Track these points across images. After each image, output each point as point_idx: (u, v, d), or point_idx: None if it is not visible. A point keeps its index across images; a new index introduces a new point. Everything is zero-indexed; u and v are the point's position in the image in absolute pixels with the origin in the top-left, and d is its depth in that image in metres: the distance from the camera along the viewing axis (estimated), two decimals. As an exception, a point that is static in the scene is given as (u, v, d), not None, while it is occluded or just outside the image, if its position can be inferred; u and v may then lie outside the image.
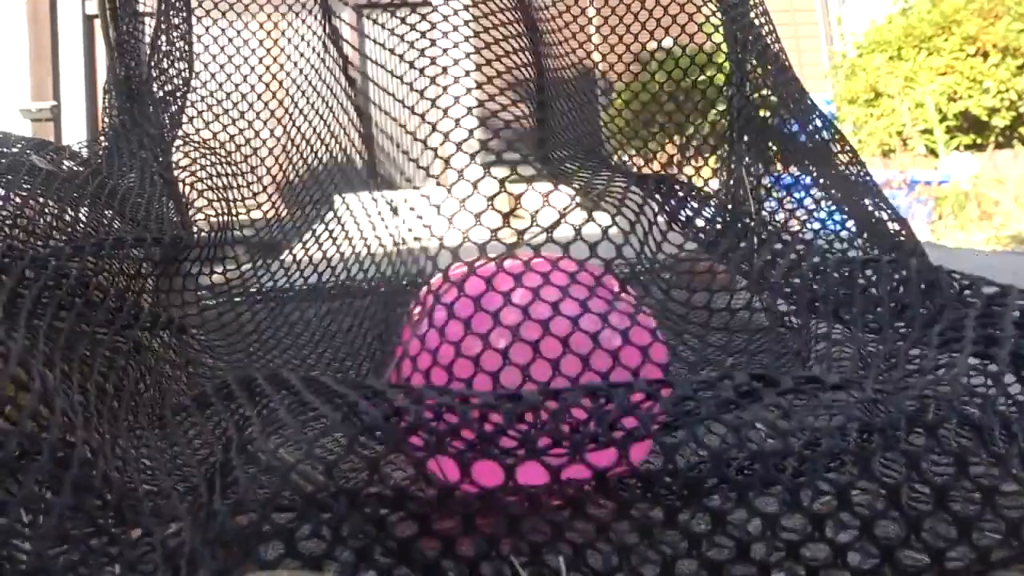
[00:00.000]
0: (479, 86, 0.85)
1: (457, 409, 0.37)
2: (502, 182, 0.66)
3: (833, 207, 1.00)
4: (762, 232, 0.76)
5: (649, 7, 1.34)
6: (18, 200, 0.78)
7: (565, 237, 0.65)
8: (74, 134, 5.22)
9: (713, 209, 0.79)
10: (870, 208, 0.99)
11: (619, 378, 0.56)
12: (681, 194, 0.80)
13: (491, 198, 0.67)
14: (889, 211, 1.00)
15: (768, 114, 1.11)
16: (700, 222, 0.78)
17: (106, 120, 1.34)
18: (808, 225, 1.02)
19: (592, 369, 0.57)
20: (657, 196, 0.78)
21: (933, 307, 0.55)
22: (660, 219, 0.77)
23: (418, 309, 0.62)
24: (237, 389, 0.51)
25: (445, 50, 0.86)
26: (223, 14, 1.53)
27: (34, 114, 5.32)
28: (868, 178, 1.07)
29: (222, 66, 1.51)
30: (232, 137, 1.49)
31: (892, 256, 0.62)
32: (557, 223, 0.65)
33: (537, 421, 0.38)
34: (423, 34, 0.88)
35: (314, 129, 1.56)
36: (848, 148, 1.09)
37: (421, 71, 0.85)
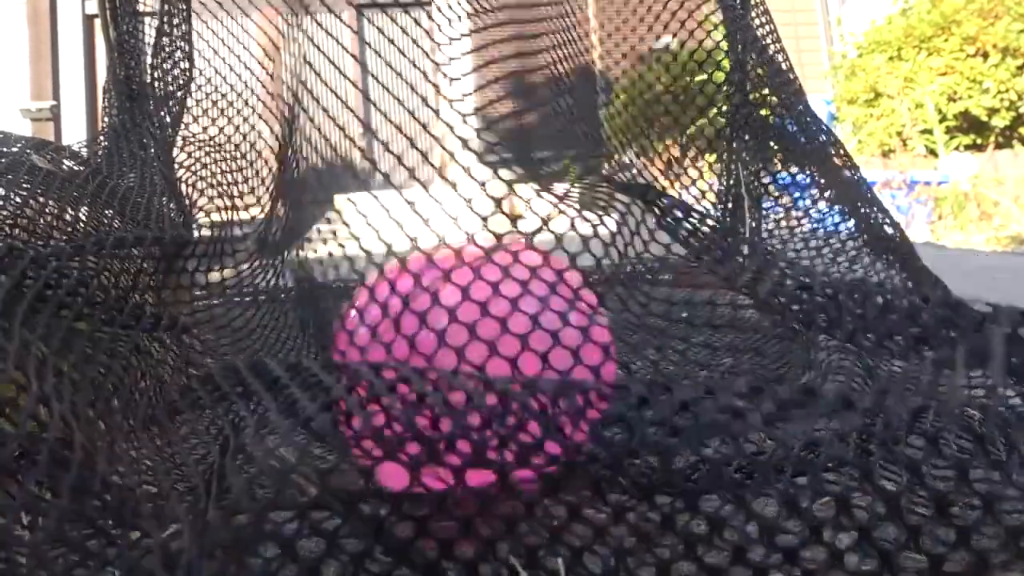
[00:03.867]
0: (478, 88, 0.85)
1: (403, 419, 0.37)
2: (483, 184, 0.66)
3: (832, 206, 1.00)
4: (754, 249, 0.76)
5: (649, 5, 1.34)
6: (18, 200, 0.78)
7: (547, 242, 0.64)
8: (74, 134, 5.22)
9: (697, 221, 0.79)
10: (866, 210, 0.99)
11: (559, 358, 0.56)
12: (665, 203, 0.80)
13: (497, 200, 0.67)
14: (884, 214, 1.00)
15: (767, 113, 1.11)
16: (684, 231, 0.78)
17: (106, 120, 1.34)
18: (806, 224, 1.02)
19: (531, 348, 0.56)
20: (647, 200, 0.77)
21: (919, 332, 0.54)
22: (645, 224, 0.76)
23: (352, 310, 0.62)
24: (224, 383, 0.51)
25: (439, 49, 0.86)
26: (229, 14, 1.53)
27: (34, 114, 5.31)
28: (863, 181, 1.08)
29: (222, 65, 1.51)
30: (231, 137, 1.49)
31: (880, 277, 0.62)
32: (539, 229, 0.64)
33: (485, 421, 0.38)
34: (411, 37, 0.88)
35: (315, 127, 1.56)
36: (843, 152, 1.10)
37: (415, 68, 0.85)
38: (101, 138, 1.29)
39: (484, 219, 0.63)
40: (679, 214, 0.77)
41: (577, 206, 0.74)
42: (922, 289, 0.61)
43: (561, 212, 0.71)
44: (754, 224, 1.08)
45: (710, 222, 0.79)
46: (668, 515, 0.37)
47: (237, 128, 1.49)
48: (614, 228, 0.72)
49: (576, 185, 0.89)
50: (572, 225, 0.68)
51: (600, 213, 0.73)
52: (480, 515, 0.38)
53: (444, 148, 0.73)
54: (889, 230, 0.99)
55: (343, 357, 0.59)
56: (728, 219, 1.09)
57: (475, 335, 0.55)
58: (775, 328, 0.89)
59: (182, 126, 1.40)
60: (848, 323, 0.55)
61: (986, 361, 0.41)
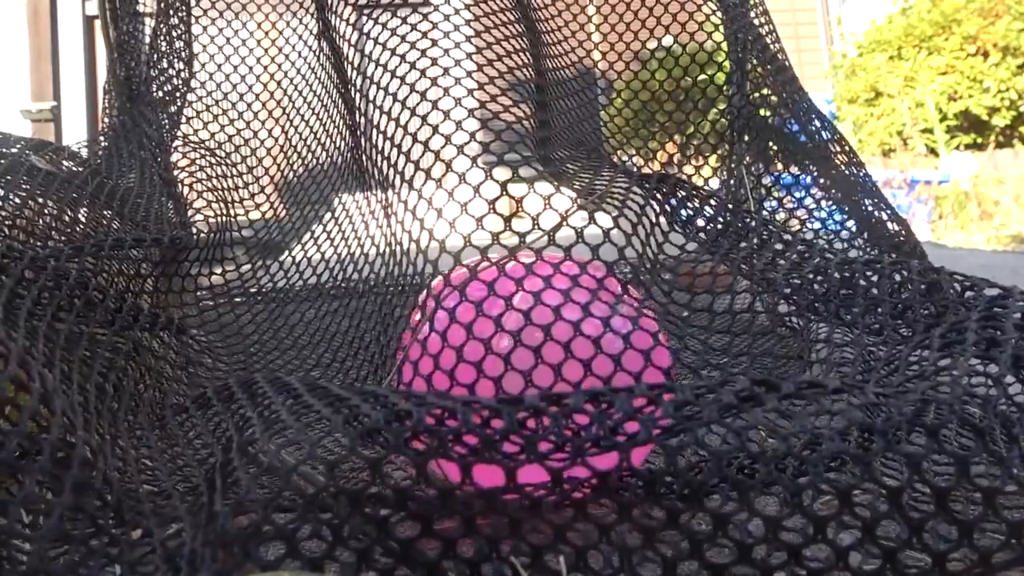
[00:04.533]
0: (480, 87, 0.85)
1: (459, 413, 0.37)
2: (503, 184, 0.66)
3: (833, 207, 1.00)
4: (763, 232, 0.76)
5: (649, 5, 1.34)
6: (17, 201, 0.78)
7: (567, 239, 0.65)
8: (74, 134, 5.22)
9: (714, 208, 0.79)
10: (870, 208, 0.99)
11: (621, 382, 0.57)
12: (682, 193, 0.80)
13: (492, 201, 0.67)
14: (889, 211, 1.00)
15: (768, 113, 1.11)
16: (701, 221, 0.78)
17: (106, 120, 1.34)
18: (808, 225, 1.02)
19: (594, 374, 0.57)
20: (658, 195, 0.77)
21: (935, 309, 0.55)
22: (662, 220, 0.77)
23: (418, 313, 0.63)
24: (239, 391, 0.51)
25: (446, 50, 0.86)
26: (221, 14, 1.53)
27: (34, 115, 5.32)
28: (867, 178, 1.07)
29: (220, 66, 1.52)
30: (231, 137, 1.49)
31: (894, 257, 0.62)
32: (559, 226, 0.65)
33: (539, 426, 0.38)
34: (424, 34, 0.88)
35: (312, 130, 1.56)
36: (847, 148, 1.09)
37: (422, 72, 0.85)
38: (101, 139, 1.29)
39: (507, 219, 0.64)
40: (696, 203, 0.77)
41: (596, 201, 0.75)
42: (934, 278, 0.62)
43: (580, 207, 0.71)
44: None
45: (722, 210, 0.79)
46: (672, 513, 0.37)
47: (239, 131, 1.49)
48: (631, 222, 0.73)
49: (592, 179, 0.90)
50: (592, 220, 0.69)
51: (618, 205, 0.73)
52: (482, 514, 0.38)
53: (440, 156, 0.73)
54: (893, 227, 0.99)
55: (415, 364, 0.60)
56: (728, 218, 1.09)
57: (545, 334, 0.57)
58: (774, 327, 0.89)
59: (181, 127, 1.40)
60: (860, 304, 0.55)
61: (994, 350, 0.41)
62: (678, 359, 0.75)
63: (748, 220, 0.77)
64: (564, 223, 0.66)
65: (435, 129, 0.74)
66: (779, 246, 0.72)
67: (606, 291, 0.61)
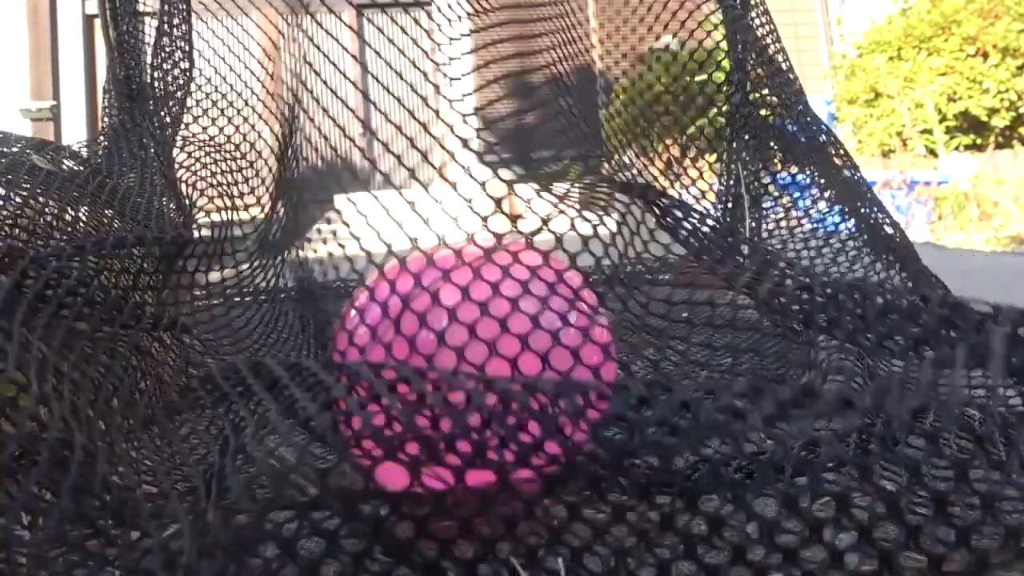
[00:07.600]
0: (478, 88, 0.85)
1: (403, 418, 0.37)
2: (483, 184, 0.66)
3: (832, 207, 1.00)
4: (754, 249, 0.76)
5: (649, 4, 1.34)
6: (18, 200, 0.78)
7: (547, 242, 0.64)
8: (74, 134, 5.22)
9: (699, 219, 0.79)
10: (867, 209, 0.99)
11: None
12: (667, 202, 0.80)
13: (490, 204, 0.67)
14: (884, 214, 1.01)
15: (768, 113, 1.11)
16: (684, 231, 0.78)
17: (106, 120, 1.34)
18: (806, 224, 1.02)
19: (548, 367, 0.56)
20: (647, 200, 0.77)
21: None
22: (645, 224, 0.76)
23: (352, 310, 0.62)
24: (224, 383, 0.51)
25: (439, 49, 0.86)
26: (221, 17, 1.53)
27: (34, 114, 5.31)
28: (862, 180, 1.08)
29: (222, 65, 1.51)
30: (231, 136, 1.49)
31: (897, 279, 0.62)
32: (539, 229, 0.63)
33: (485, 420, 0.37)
34: (426, 33, 0.88)
35: (316, 127, 1.56)
36: (843, 151, 1.10)
37: (426, 73, 0.85)
38: (101, 138, 1.29)
39: (484, 219, 0.63)
40: (678, 213, 0.77)
41: (577, 206, 0.74)
42: (922, 289, 0.62)
43: (561, 212, 0.71)
44: (754, 224, 1.08)
45: (710, 222, 0.79)
46: (668, 515, 0.37)
47: (237, 128, 1.49)
48: (614, 228, 0.72)
49: (576, 185, 0.89)
50: (572, 225, 0.68)
51: (600, 213, 0.72)
52: (480, 515, 0.38)
53: (444, 148, 0.73)
54: (889, 230, 0.99)
55: (342, 357, 0.59)
56: (728, 219, 1.09)
57: (475, 335, 0.55)
58: (775, 328, 0.89)
59: (182, 126, 1.40)
60: (848, 323, 0.55)
61: (986, 361, 0.41)
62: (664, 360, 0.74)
63: (734, 234, 0.77)
64: (544, 228, 0.64)
65: (425, 127, 0.74)
66: (783, 270, 0.71)
67: (549, 269, 0.60)
